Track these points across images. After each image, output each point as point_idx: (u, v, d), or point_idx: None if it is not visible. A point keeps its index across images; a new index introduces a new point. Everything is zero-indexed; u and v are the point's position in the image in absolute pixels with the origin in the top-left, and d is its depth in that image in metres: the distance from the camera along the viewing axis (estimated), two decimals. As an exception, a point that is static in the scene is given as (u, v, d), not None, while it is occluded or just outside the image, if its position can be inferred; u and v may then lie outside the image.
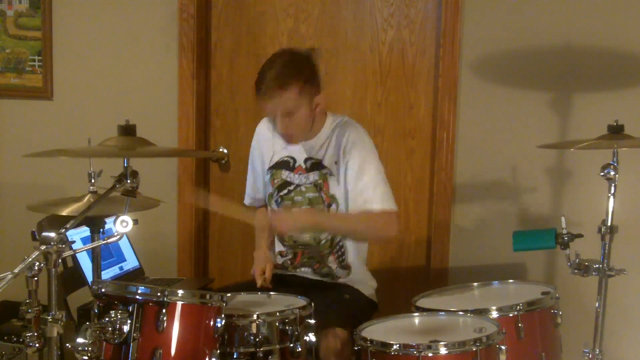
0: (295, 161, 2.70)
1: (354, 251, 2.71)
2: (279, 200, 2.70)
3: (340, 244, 2.69)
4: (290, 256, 2.74)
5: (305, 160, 2.68)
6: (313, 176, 2.67)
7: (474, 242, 3.16)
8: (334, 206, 2.65)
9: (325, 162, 2.65)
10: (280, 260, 2.77)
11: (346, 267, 2.71)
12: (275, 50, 3.27)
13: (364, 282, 2.75)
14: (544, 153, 3.02)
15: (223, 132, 3.47)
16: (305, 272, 2.72)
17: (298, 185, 2.68)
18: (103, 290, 2.04)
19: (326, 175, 2.64)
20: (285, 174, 2.70)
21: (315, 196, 2.65)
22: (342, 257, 2.70)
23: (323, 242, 2.68)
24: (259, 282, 2.60)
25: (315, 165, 2.66)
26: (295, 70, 2.50)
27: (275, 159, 2.73)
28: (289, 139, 2.63)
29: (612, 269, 2.38)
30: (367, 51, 3.27)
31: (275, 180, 2.71)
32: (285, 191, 2.70)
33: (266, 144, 2.76)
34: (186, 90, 3.39)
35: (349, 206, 2.60)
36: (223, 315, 2.09)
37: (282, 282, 2.66)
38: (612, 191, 2.37)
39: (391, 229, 2.56)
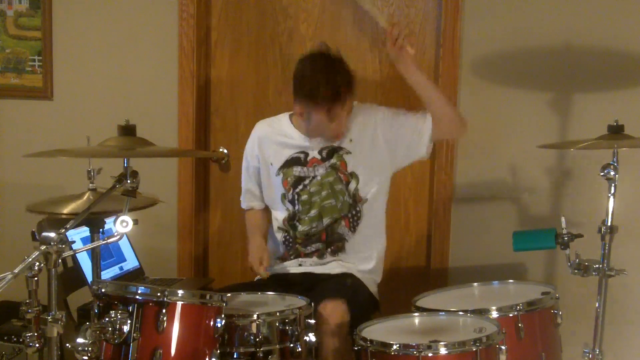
0: (307, 155, 2.71)
1: (368, 218, 2.73)
2: (295, 197, 2.71)
3: (358, 208, 2.71)
4: (294, 254, 2.74)
5: (321, 151, 2.71)
6: (328, 162, 2.70)
7: (474, 242, 3.16)
8: (352, 184, 2.70)
9: (341, 144, 2.70)
10: (282, 261, 2.77)
11: (357, 232, 2.73)
12: (275, 50, 3.32)
13: (372, 271, 2.76)
14: (544, 153, 3.02)
15: (223, 132, 3.47)
16: (313, 247, 2.72)
17: (314, 177, 2.70)
18: (103, 290, 2.04)
19: (342, 155, 2.70)
20: (297, 170, 2.71)
21: (334, 178, 2.69)
22: (356, 222, 2.72)
23: (340, 209, 2.70)
24: (260, 271, 2.61)
25: (332, 151, 2.71)
26: (347, 74, 2.61)
27: (284, 158, 2.73)
28: (340, 135, 2.68)
29: (612, 269, 2.38)
30: (367, 51, 3.27)
31: (288, 179, 2.72)
32: (300, 187, 2.71)
33: (273, 147, 2.76)
34: (186, 90, 3.38)
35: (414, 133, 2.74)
36: (223, 315, 2.09)
37: (284, 281, 2.66)
38: (612, 191, 2.36)
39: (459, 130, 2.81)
